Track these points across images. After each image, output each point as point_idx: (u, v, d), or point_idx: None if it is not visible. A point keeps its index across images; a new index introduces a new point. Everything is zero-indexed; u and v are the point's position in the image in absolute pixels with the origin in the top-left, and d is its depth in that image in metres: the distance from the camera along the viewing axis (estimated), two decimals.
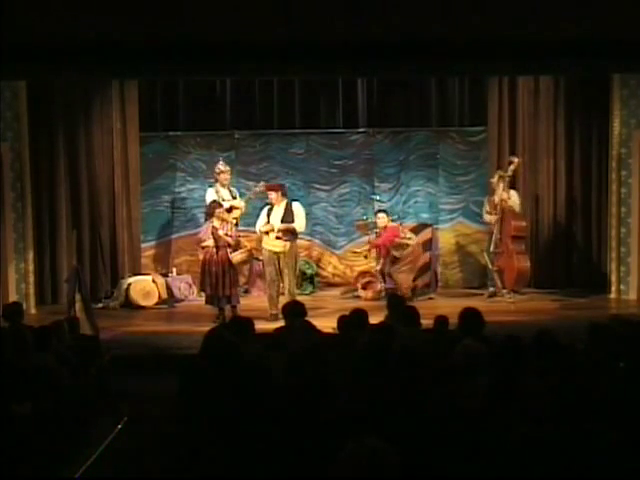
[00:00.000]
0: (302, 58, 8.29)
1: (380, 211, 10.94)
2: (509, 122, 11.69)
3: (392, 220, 10.95)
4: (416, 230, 11.17)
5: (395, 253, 10.68)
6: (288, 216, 9.78)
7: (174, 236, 12.01)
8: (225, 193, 10.51)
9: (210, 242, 9.61)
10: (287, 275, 9.74)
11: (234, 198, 10.57)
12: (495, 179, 10.79)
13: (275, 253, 9.74)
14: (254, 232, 10.39)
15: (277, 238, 9.71)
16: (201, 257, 9.80)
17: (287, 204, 9.88)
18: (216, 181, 10.64)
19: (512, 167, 10.67)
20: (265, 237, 9.81)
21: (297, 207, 9.96)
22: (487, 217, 10.93)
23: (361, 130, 12.09)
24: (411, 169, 12.16)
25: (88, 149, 11.35)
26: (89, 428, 4.03)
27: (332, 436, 3.44)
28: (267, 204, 10.00)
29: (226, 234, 9.65)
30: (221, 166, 10.68)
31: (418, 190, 12.15)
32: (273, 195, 9.86)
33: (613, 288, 11.09)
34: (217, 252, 9.60)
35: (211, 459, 3.51)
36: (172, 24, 7.50)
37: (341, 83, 11.92)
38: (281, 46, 7.89)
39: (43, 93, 10.81)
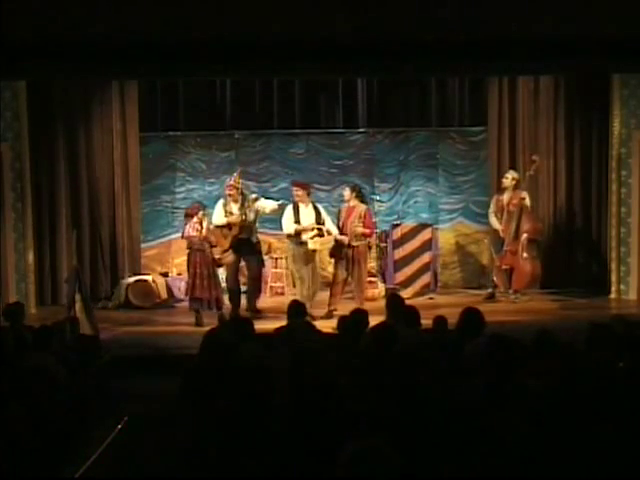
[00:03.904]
0: (302, 58, 8.29)
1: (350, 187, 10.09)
2: (509, 122, 11.70)
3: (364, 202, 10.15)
4: (416, 230, 11.16)
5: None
6: (319, 217, 9.74)
7: (174, 236, 11.99)
8: (234, 208, 9.83)
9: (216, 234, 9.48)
10: (315, 273, 9.76)
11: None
12: (509, 179, 10.59)
13: (313, 251, 9.66)
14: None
15: (317, 236, 9.62)
16: (188, 259, 9.56)
17: (314, 205, 9.86)
18: (229, 195, 9.87)
19: (534, 166, 10.65)
20: (304, 236, 9.61)
21: (323, 209, 9.94)
22: (493, 218, 10.73)
23: (361, 130, 12.09)
24: (411, 169, 12.17)
25: (88, 149, 11.35)
26: (89, 428, 4.03)
27: (332, 436, 3.43)
28: (292, 203, 9.86)
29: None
30: (232, 182, 9.88)
31: (418, 190, 12.17)
32: (300, 192, 9.74)
33: (613, 288, 11.09)
34: (205, 254, 9.46)
35: (211, 459, 3.51)
36: (172, 24, 7.51)
37: (341, 83, 11.92)
38: (281, 46, 7.89)
39: (43, 93, 10.81)
